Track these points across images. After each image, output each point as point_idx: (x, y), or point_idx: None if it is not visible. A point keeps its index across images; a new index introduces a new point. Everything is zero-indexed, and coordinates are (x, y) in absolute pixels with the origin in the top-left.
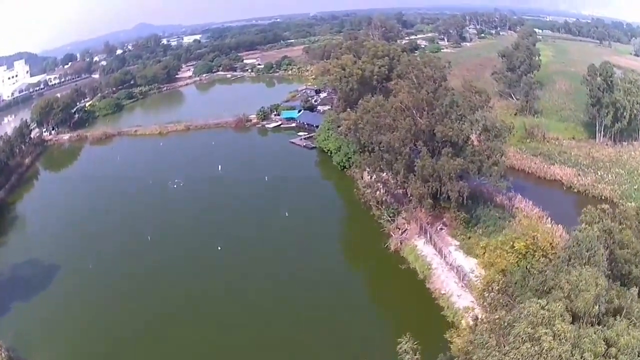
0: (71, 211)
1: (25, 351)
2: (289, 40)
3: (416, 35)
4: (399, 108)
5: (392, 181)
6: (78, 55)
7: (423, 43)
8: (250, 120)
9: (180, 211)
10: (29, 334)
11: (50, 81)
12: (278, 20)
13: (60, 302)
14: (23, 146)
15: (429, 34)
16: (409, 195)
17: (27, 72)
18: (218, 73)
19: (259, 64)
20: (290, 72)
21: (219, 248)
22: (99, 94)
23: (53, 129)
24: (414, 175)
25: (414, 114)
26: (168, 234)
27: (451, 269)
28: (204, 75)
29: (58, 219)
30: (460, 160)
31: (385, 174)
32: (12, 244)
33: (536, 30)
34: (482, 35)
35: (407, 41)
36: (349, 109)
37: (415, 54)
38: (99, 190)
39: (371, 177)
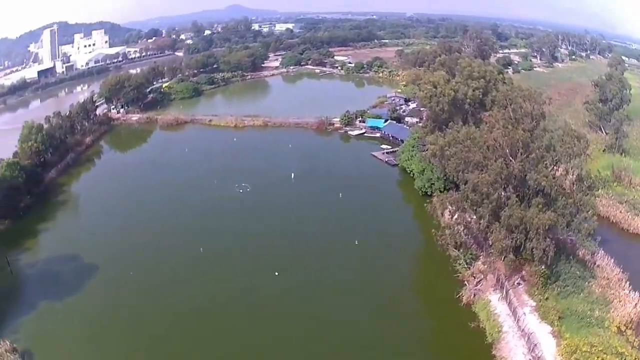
0: (125, 203)
1: (41, 357)
2: (382, 40)
3: (509, 50)
4: (491, 146)
5: (474, 225)
6: (164, 31)
7: (516, 59)
8: (333, 124)
9: (240, 223)
10: (50, 339)
11: (130, 54)
12: (374, 17)
13: (90, 309)
14: (86, 123)
15: (522, 50)
16: (490, 243)
17: (105, 42)
18: (307, 67)
19: (349, 62)
20: (381, 74)
21: (276, 274)
22: (179, 75)
23: (122, 108)
24: (499, 223)
25: (507, 155)
26: (222, 249)
27: (522, 335)
28: (292, 67)
29: (109, 209)
30: (550, 214)
31: (468, 215)
32: (53, 233)
33: (624, 57)
34: (573, 57)
35: (500, 55)
36: (437, 132)
37: (509, 70)
38: (159, 184)
39: (452, 217)
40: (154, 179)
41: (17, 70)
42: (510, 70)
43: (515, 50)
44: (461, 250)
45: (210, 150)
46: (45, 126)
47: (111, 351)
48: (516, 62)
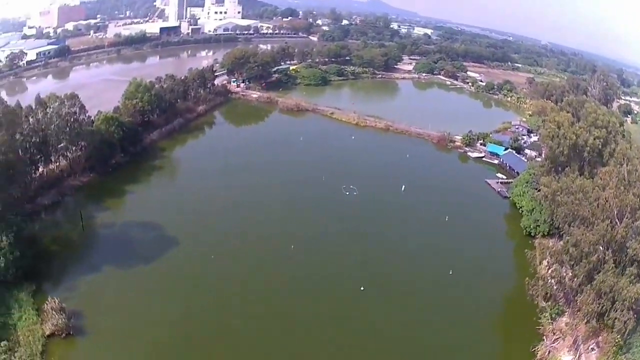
0: (224, 181)
1: (91, 319)
2: (515, 64)
3: (631, 97)
4: (601, 205)
5: (568, 280)
6: (301, 13)
7: (636, 108)
8: (454, 142)
9: (336, 226)
10: (105, 305)
11: (262, 29)
12: (510, 38)
13: (155, 285)
14: (201, 91)
15: None
16: (578, 304)
17: (238, 12)
18: (439, 76)
19: (481, 80)
20: (509, 98)
21: (362, 289)
22: (309, 60)
23: (243, 82)
24: (591, 286)
25: (614, 216)
26: (314, 249)
27: None
28: (424, 74)
29: (206, 184)
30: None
31: (564, 269)
32: (139, 197)
33: None
34: None
35: (622, 102)
36: (553, 174)
37: (628, 119)
38: (263, 168)
39: (548, 269)
40: (261, 162)
41: (138, 23)
42: (629, 119)
43: (636, 99)
44: (549, 303)
45: (324, 144)
46: (156, 86)
47: (163, 334)
48: (636, 111)
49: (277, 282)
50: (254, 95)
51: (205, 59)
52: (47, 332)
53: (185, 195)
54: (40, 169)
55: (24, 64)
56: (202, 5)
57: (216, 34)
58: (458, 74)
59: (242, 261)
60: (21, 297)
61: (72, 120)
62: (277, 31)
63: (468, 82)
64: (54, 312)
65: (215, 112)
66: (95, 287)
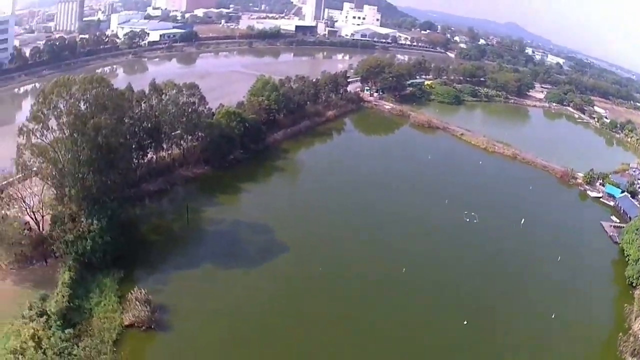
0: (345, 191)
1: (176, 315)
2: (637, 103)
3: None
4: None
5: None
6: (439, 27)
7: None
8: (576, 179)
9: (451, 250)
10: (194, 303)
11: (400, 39)
12: (633, 77)
13: (253, 292)
14: (333, 95)
15: None
16: None
17: (377, 19)
18: (567, 108)
19: (605, 117)
20: (629, 139)
21: (465, 322)
22: (444, 77)
23: (377, 92)
24: None
25: None
26: (426, 274)
27: None
28: (554, 104)
29: (326, 192)
30: None
31: None
32: (254, 196)
33: None
34: None
35: None
36: None
37: None
38: (389, 181)
39: None
40: (386, 175)
41: (273, 18)
42: None
43: None
44: None
45: (451, 164)
46: (285, 86)
47: (246, 345)
48: None
49: (382, 307)
50: (387, 107)
51: (339, 62)
52: (126, 322)
53: (302, 201)
54: (150, 155)
55: (145, 44)
56: (340, 9)
57: (353, 39)
58: (585, 108)
59: (349, 279)
60: (105, 282)
61: (189, 110)
62: (414, 43)
63: (594, 117)
64: (137, 302)
65: (345, 118)
66: (188, 284)
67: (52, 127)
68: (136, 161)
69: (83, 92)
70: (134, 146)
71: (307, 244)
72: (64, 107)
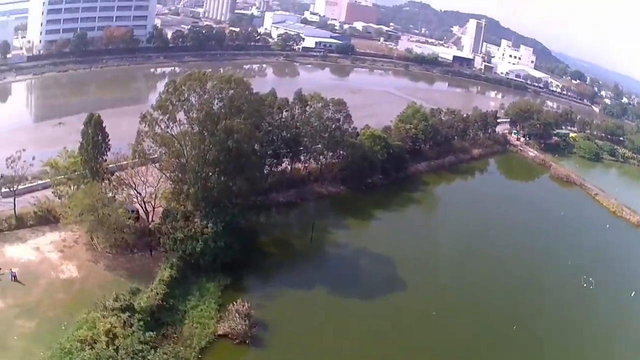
0: (478, 235)
1: (275, 334)
2: None
3: None
4: None
5: None
6: (588, 78)
7: None
8: None
9: (560, 313)
10: (295, 325)
11: (551, 86)
12: None
13: (362, 325)
14: (480, 134)
15: None
16: None
17: (531, 61)
18: None
19: None
20: None
21: None
22: (587, 131)
23: (524, 137)
24: None
25: None
26: (538, 338)
27: None
28: None
29: (459, 233)
30: None
31: None
32: (385, 225)
33: None
34: None
35: None
36: None
37: None
38: (518, 231)
39: None
40: (513, 224)
41: (432, 43)
42: None
43: None
44: None
45: (579, 225)
46: (435, 117)
47: None
48: None
49: None
50: (530, 153)
51: (491, 100)
52: (220, 332)
53: (433, 238)
54: (285, 166)
55: (299, 48)
56: (498, 44)
57: (507, 78)
58: None
59: (461, 328)
60: (208, 286)
61: (333, 126)
62: (564, 91)
63: None
64: (237, 314)
65: (489, 159)
66: (296, 304)
67: (179, 120)
68: (269, 169)
69: (219, 90)
70: (269, 153)
71: (426, 283)
72: (195, 101)
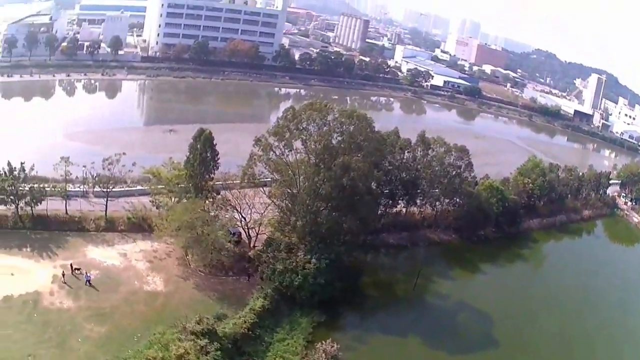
0: (581, 303)
1: None
2: None
3: None
4: None
5: None
6: None
7: None
8: None
9: None
10: None
11: None
12: None
13: None
14: (592, 194)
15: None
16: None
17: None
18: None
19: None
20: None
21: None
22: None
23: (631, 201)
24: None
25: None
26: None
27: None
28: None
29: (564, 297)
30: None
31: None
32: (491, 282)
33: None
34: None
35: None
36: None
37: None
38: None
39: None
40: (618, 294)
41: (555, 95)
42: None
43: None
44: None
45: None
46: (553, 173)
47: None
48: None
49: None
50: (634, 219)
51: (605, 159)
52: None
53: (535, 299)
54: (399, 208)
55: (427, 85)
56: (616, 101)
57: (621, 138)
58: None
59: None
60: (300, 321)
61: (453, 173)
62: None
63: None
64: (324, 354)
65: (596, 221)
66: (387, 351)
67: (295, 148)
68: (383, 209)
69: (339, 124)
70: (385, 193)
71: (521, 344)
72: (314, 132)
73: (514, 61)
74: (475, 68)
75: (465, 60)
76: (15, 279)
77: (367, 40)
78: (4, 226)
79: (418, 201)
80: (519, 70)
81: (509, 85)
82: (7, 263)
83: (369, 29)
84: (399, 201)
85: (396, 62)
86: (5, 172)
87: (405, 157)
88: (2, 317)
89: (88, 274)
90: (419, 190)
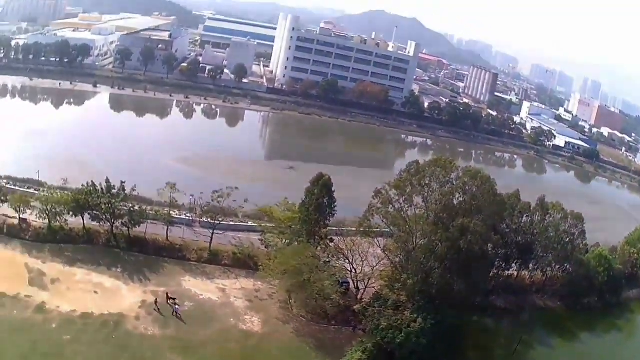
0: None
1: None
2: None
3: None
4: None
5: None
6: None
7: None
8: None
9: None
10: None
11: None
12: None
13: None
14: None
15: None
16: None
17: None
18: None
19: None
20: None
21: None
22: None
23: None
24: None
25: None
26: None
27: None
28: None
29: None
30: None
31: None
32: (586, 351)
33: None
34: None
35: None
36: None
37: None
38: None
39: None
40: None
41: None
42: None
43: None
44: None
45: None
46: None
47: None
48: None
49: None
50: None
51: None
52: None
53: None
54: (511, 271)
55: (549, 145)
56: None
57: None
58: None
59: None
60: None
61: (567, 239)
62: None
63: None
64: None
65: None
66: None
67: (415, 204)
68: (495, 272)
69: (463, 184)
70: (499, 255)
71: None
72: (437, 188)
73: (630, 124)
74: (594, 130)
75: (586, 121)
76: (99, 298)
77: (496, 93)
78: (95, 243)
79: (530, 266)
80: (633, 134)
81: (623, 149)
82: (93, 280)
83: (497, 82)
84: (512, 265)
85: (521, 118)
86: (102, 189)
87: (523, 221)
88: (78, 334)
89: (176, 306)
90: (532, 256)
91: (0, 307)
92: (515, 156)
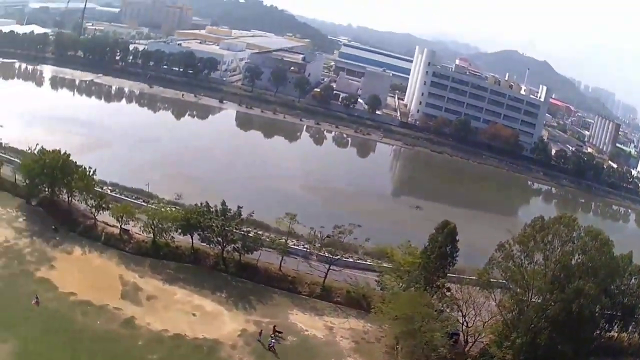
0: None
1: None
2: None
3: None
4: None
5: None
6: None
7: None
8: None
9: None
10: None
11: None
12: None
13: None
14: None
15: None
16: None
17: None
18: None
19: None
20: None
21: None
22: None
23: None
24: None
25: None
26: None
27: None
28: None
29: None
30: None
31: None
32: None
33: None
34: None
35: None
36: None
37: None
38: None
39: None
40: None
41: None
42: None
43: None
44: None
45: None
46: None
47: None
48: None
49: None
50: None
51: None
52: None
53: None
54: (613, 333)
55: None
56: None
57: None
58: None
59: None
60: None
61: None
62: None
63: None
64: None
65: None
66: None
67: (535, 261)
68: (598, 333)
69: (583, 244)
70: (605, 316)
71: None
72: (557, 246)
73: None
74: None
75: None
76: (196, 320)
77: (618, 145)
78: (202, 264)
79: (630, 328)
80: None
81: None
82: (193, 302)
83: (619, 132)
84: (615, 326)
85: (638, 172)
86: (217, 211)
87: (631, 283)
88: (165, 355)
89: (273, 340)
90: (634, 317)
91: (82, 315)
92: (630, 210)
